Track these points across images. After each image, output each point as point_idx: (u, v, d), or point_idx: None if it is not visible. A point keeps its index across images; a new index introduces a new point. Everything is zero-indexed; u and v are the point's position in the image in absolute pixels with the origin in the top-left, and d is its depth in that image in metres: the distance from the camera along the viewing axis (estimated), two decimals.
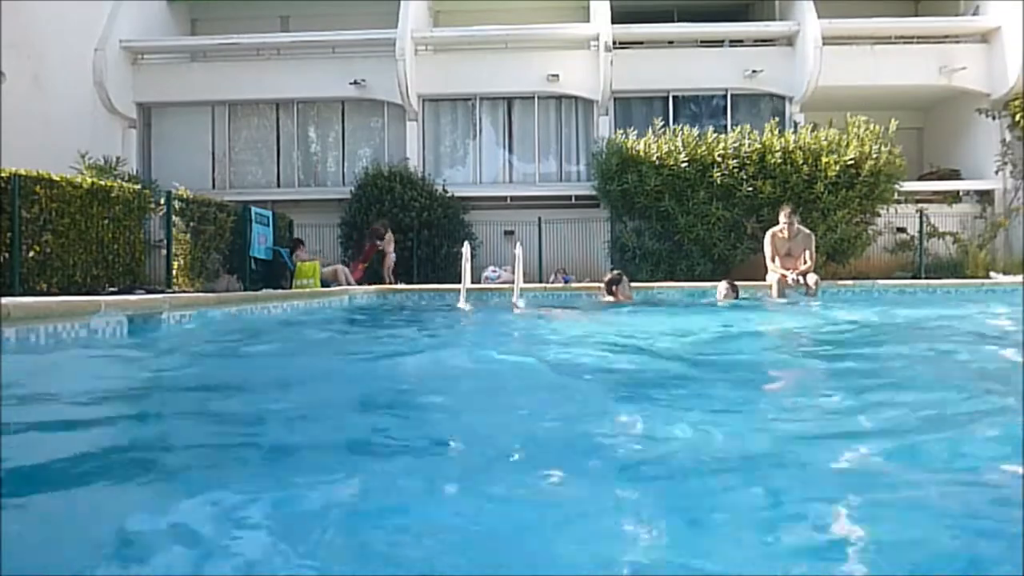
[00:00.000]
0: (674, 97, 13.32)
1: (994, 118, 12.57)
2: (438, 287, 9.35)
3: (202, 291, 9.21)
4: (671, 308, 7.26)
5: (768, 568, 1.05)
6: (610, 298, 7.28)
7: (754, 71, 12.89)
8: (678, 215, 11.05)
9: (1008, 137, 12.51)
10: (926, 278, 11.15)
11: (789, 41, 13.11)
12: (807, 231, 8.31)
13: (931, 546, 1.12)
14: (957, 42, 12.97)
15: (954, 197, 12.83)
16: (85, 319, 3.70)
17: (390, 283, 10.86)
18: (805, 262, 8.01)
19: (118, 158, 11.81)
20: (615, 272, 7.58)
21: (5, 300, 3.24)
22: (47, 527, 1.23)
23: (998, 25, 12.49)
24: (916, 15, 14.57)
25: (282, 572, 1.04)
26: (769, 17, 13.90)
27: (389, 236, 11.27)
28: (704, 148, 11.02)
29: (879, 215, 11.61)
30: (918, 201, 12.47)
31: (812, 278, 7.93)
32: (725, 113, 13.23)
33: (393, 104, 13.18)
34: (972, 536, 1.16)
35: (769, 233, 8.27)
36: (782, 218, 8.10)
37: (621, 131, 11.91)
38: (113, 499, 1.40)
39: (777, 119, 12.24)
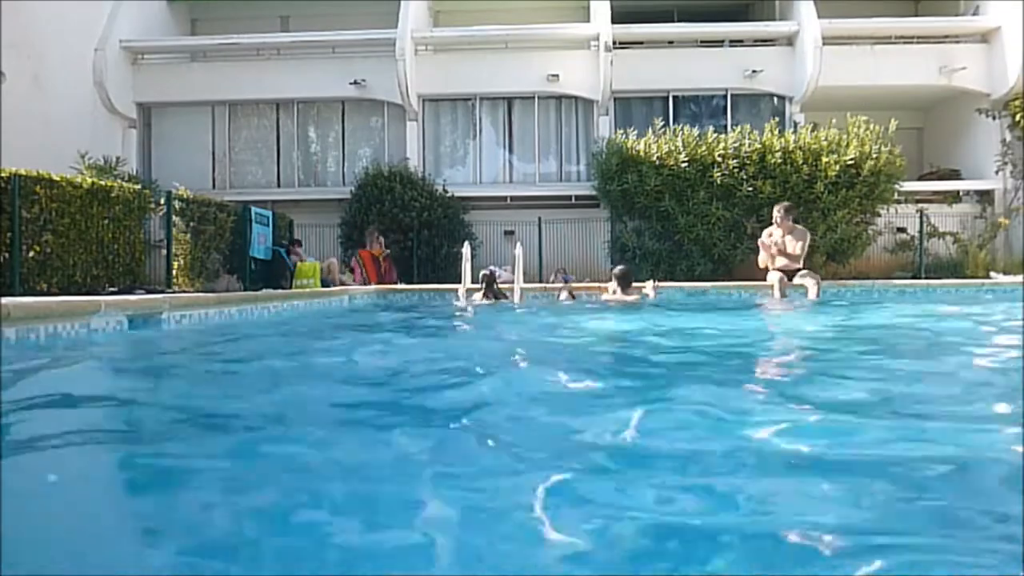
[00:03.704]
0: (674, 97, 13.32)
1: (994, 118, 12.57)
2: (438, 287, 9.35)
3: (202, 291, 9.20)
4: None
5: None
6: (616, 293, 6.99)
7: (754, 71, 12.89)
8: (678, 215, 11.04)
9: (1008, 137, 12.51)
10: (926, 278, 11.15)
11: (789, 41, 13.11)
12: (802, 228, 8.24)
13: None
14: (957, 42, 12.97)
15: (954, 197, 12.83)
16: (85, 319, 3.70)
17: (392, 282, 10.87)
18: (800, 260, 7.94)
19: (118, 158, 11.82)
20: (621, 268, 7.29)
21: (5, 300, 3.23)
22: None
23: (998, 25, 12.49)
24: (916, 15, 14.58)
25: None
26: (769, 17, 13.91)
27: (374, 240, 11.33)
28: (704, 148, 11.02)
29: (879, 215, 11.61)
30: (918, 201, 12.47)
31: (812, 281, 7.83)
32: (725, 113, 13.23)
33: (393, 104, 13.18)
34: None
35: (765, 232, 8.20)
36: (775, 214, 8.02)
37: (621, 131, 11.91)
38: None
39: (777, 119, 12.24)
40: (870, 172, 10.72)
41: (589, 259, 12.62)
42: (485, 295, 7.27)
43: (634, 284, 7.18)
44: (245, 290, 10.10)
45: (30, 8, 12.87)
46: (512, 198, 13.21)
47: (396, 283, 11.07)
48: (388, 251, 11.43)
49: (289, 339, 4.50)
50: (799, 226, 8.20)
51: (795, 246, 7.84)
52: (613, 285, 7.01)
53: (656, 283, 7.53)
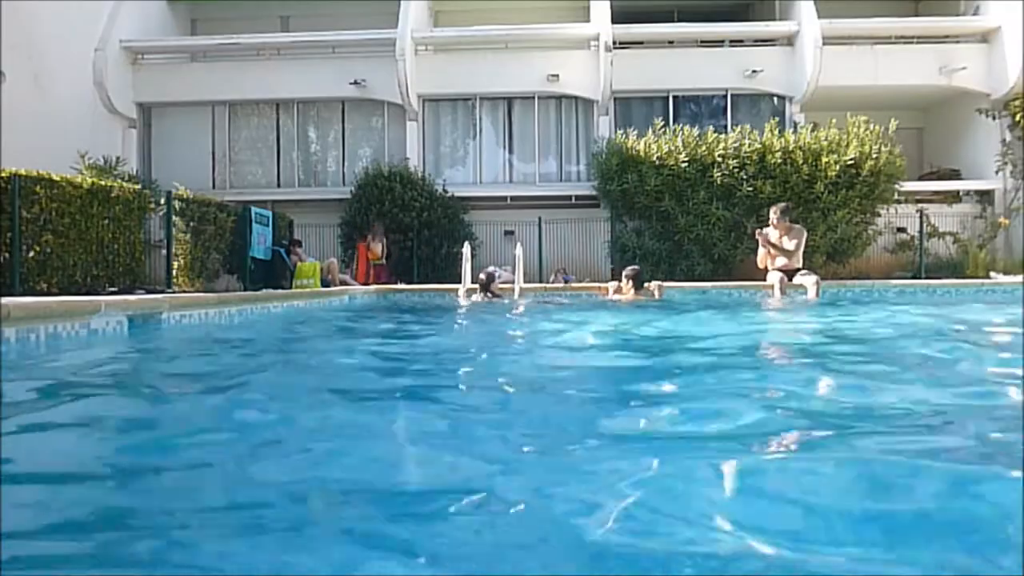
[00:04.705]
0: (674, 97, 13.32)
1: (994, 118, 12.57)
2: (438, 287, 9.35)
3: (202, 291, 9.20)
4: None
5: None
6: (628, 292, 7.25)
7: (754, 71, 12.89)
8: (678, 215, 11.05)
9: (1008, 137, 12.51)
10: (926, 278, 11.14)
11: (789, 41, 13.11)
12: (799, 227, 8.23)
13: None
14: (957, 42, 12.97)
15: (954, 197, 12.84)
16: (85, 319, 3.70)
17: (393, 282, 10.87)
18: (798, 259, 7.94)
19: (118, 158, 11.80)
20: (634, 268, 7.58)
21: (5, 300, 3.23)
22: None
23: (998, 25, 12.49)
24: (916, 15, 14.57)
25: None
26: (769, 17, 13.90)
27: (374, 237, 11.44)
28: (704, 148, 11.02)
29: (879, 215, 11.61)
30: (918, 201, 12.47)
31: (811, 279, 7.82)
32: (725, 113, 13.23)
33: (393, 104, 13.18)
34: None
35: (764, 232, 8.19)
36: (772, 215, 8.02)
37: (621, 131, 11.91)
38: None
39: (777, 119, 12.23)
40: (870, 172, 10.72)
41: (589, 259, 12.62)
42: (483, 295, 7.36)
43: None
44: (245, 290, 10.10)
45: (30, 8, 12.86)
46: (512, 198, 13.20)
47: (394, 283, 11.07)
48: (384, 261, 11.42)
49: None
50: (796, 225, 8.21)
51: (792, 245, 7.87)
52: (623, 284, 7.24)
53: (662, 283, 7.67)
